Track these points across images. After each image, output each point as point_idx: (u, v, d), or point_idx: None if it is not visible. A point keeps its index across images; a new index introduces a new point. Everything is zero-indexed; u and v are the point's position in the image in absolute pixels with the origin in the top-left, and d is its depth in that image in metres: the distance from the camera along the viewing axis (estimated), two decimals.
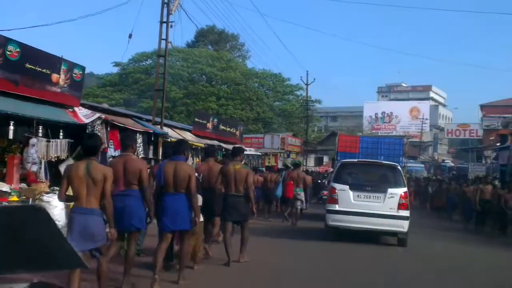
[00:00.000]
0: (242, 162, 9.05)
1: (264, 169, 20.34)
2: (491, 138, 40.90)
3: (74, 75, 11.87)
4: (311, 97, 45.00)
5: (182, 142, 7.49)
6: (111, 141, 11.83)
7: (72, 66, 11.97)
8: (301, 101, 45.86)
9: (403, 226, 11.47)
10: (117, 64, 46.93)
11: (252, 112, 42.84)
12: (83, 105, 12.48)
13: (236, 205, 8.29)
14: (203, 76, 45.32)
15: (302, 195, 14.94)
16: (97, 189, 5.32)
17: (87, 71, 12.99)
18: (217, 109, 39.34)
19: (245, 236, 8.50)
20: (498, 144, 37.80)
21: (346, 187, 11.82)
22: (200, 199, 7.81)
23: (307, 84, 38.86)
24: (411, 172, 38.22)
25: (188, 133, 18.83)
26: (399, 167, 12.50)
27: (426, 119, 61.91)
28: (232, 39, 56.65)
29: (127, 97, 40.88)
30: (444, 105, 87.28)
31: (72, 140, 10.90)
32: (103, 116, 11.74)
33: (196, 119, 20.72)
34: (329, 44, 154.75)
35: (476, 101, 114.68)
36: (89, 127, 11.25)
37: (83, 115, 11.54)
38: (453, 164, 54.78)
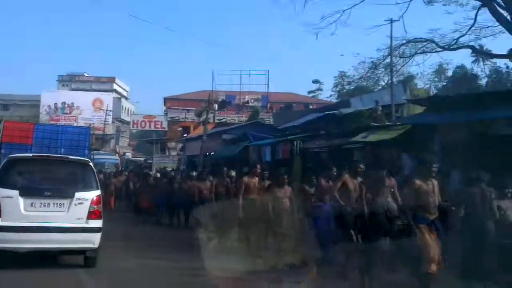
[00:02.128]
0: None
1: None
2: (179, 128, 41.72)
3: None
4: None
5: None
6: None
7: None
8: None
9: (94, 241, 8.61)
10: None
11: None
12: None
13: None
14: None
15: None
16: None
17: None
18: None
19: None
20: (185, 135, 39.23)
21: (15, 192, 8.32)
22: None
23: None
24: (102, 165, 35.03)
25: None
26: (91, 164, 9.49)
27: (110, 110, 60.00)
28: None
29: None
30: (126, 98, 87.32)
31: None
32: None
33: None
34: None
35: (157, 95, 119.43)
36: None
37: None
38: (131, 157, 54.51)
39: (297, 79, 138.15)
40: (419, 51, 23.44)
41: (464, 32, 22.10)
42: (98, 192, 8.96)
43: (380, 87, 63.79)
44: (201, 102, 46.08)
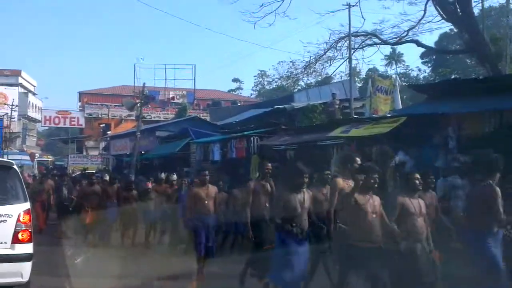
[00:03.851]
0: None
1: None
2: (101, 125, 37.62)
3: None
4: None
5: None
6: None
7: None
8: None
9: (22, 273, 6.12)
10: None
11: None
12: None
13: None
14: None
15: None
16: None
17: None
18: None
19: None
20: (109, 132, 35.24)
21: None
22: None
23: None
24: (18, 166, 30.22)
25: None
26: (15, 167, 6.74)
27: (16, 106, 53.79)
28: None
29: None
30: (34, 93, 79.82)
31: None
32: None
33: None
34: None
35: (70, 90, 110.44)
36: None
37: None
38: (38, 158, 49.11)
39: (216, 76, 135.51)
40: (360, 46, 22.16)
41: (414, 24, 21.19)
42: (26, 205, 6.36)
43: (299, 87, 63.41)
44: (122, 97, 42.45)
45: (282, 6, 19.46)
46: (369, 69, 59.70)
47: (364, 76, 59.08)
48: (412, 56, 63.14)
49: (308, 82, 60.39)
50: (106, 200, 11.38)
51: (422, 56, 57.48)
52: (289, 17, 26.14)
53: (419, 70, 60.71)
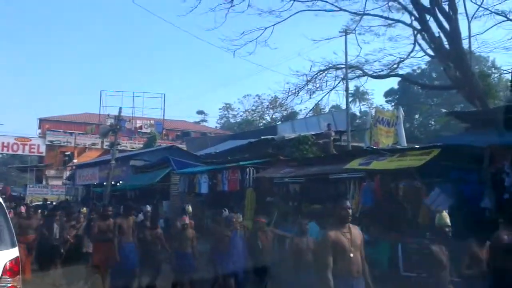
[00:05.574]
0: None
1: None
2: (67, 153, 35.09)
3: None
4: None
5: None
6: None
7: None
8: None
9: None
10: None
11: None
12: None
13: None
14: None
15: None
16: None
17: None
18: None
19: None
20: (75, 161, 32.72)
21: None
22: None
23: None
24: None
25: None
26: (0, 200, 5.01)
27: None
28: None
29: None
30: None
31: None
32: None
33: None
34: None
35: (26, 116, 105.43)
36: None
37: None
38: None
39: (179, 109, 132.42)
40: (344, 78, 21.45)
41: (402, 58, 20.77)
42: (14, 251, 4.56)
43: (264, 121, 62.48)
44: (86, 125, 40.12)
45: (264, 35, 18.81)
46: (333, 106, 59.76)
47: (327, 112, 58.95)
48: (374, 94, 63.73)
49: (274, 117, 60.03)
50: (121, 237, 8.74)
51: (386, 94, 58.24)
52: (270, 46, 25.50)
53: (383, 108, 61.19)
